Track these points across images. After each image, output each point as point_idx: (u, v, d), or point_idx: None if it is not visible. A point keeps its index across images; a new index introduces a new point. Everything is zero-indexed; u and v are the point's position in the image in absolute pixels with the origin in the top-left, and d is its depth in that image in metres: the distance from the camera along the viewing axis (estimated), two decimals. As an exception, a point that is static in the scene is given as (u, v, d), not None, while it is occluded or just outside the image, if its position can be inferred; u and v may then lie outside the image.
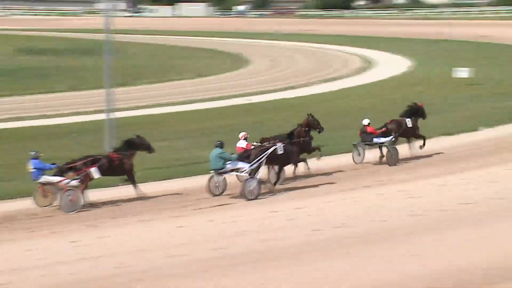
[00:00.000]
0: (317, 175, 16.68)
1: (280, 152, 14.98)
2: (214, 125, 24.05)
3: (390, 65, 46.18)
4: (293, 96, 32.50)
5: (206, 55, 54.48)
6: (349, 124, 22.59)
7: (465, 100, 29.07)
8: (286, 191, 15.15)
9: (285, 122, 21.42)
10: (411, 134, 18.48)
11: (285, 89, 35.17)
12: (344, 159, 18.07)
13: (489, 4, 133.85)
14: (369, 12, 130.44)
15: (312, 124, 16.76)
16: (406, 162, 17.94)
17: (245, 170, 14.76)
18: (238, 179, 15.28)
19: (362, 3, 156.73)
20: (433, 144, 19.95)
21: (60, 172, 14.30)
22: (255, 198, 14.31)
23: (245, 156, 14.96)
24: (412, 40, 68.63)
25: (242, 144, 15.91)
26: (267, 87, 35.99)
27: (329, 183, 15.82)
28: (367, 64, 47.48)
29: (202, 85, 37.46)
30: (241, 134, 16.17)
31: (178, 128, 23.98)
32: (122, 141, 15.06)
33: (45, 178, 14.26)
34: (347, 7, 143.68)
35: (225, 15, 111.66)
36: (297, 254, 10.82)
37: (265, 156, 14.85)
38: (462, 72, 33.91)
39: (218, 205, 14.07)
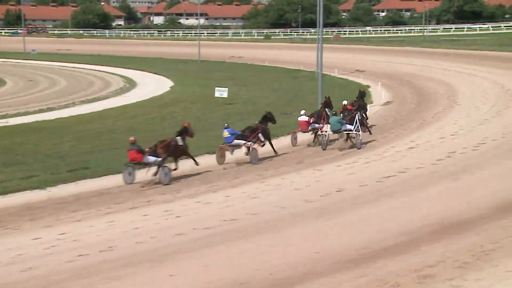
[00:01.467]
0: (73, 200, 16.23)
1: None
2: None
3: (152, 86, 46.86)
4: (52, 117, 31.22)
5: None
6: (104, 146, 22.84)
7: (221, 118, 30.44)
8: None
9: (35, 146, 21.14)
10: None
11: (43, 110, 33.92)
12: (106, 181, 17.94)
13: (244, 27, 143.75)
14: (129, 32, 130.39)
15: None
16: (178, 181, 18.28)
17: (353, 130, 22.46)
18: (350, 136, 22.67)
19: (121, 23, 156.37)
20: (201, 162, 20.68)
21: (242, 137, 20.43)
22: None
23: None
24: (174, 60, 70.65)
25: (303, 118, 23.33)
26: (25, 108, 34.70)
27: (88, 204, 15.48)
28: (129, 85, 47.64)
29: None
30: (303, 111, 23.67)
31: None
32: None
33: (236, 141, 20.49)
34: (107, 26, 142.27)
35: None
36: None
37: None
38: (221, 92, 35.58)
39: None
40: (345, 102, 24.81)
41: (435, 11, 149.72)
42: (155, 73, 55.53)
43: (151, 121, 29.89)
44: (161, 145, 18.28)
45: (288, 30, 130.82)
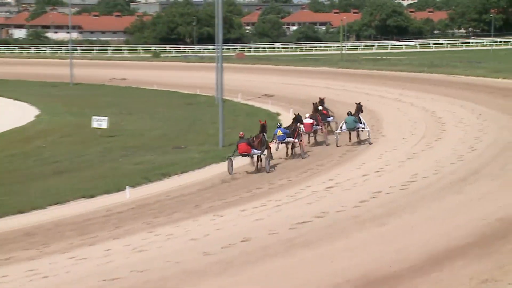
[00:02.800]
0: None
1: None
2: None
3: (12, 115, 45.57)
4: None
5: None
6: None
7: (101, 154, 30.07)
8: None
9: None
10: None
11: None
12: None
13: (127, 42, 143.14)
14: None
15: None
16: (48, 230, 17.82)
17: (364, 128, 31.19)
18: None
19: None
20: (67, 209, 20.21)
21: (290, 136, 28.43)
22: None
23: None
24: (40, 83, 69.10)
25: (308, 120, 31.24)
26: None
27: None
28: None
29: None
30: (307, 115, 31.95)
31: None
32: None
33: (288, 140, 28.35)
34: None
35: None
36: None
37: None
38: (99, 122, 35.07)
39: None
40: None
41: (354, 25, 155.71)
42: (15, 99, 54.07)
43: (11, 159, 29.13)
44: (257, 140, 26.18)
45: (181, 46, 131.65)
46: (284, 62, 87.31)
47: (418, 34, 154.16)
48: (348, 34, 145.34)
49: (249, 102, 49.62)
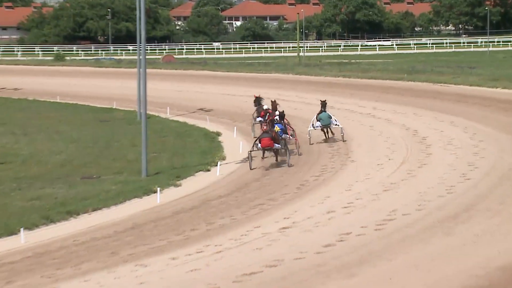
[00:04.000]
0: None
1: None
2: None
3: None
4: None
5: None
6: None
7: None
8: None
9: None
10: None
11: None
12: None
13: (21, 41, 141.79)
14: None
15: None
16: None
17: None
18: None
19: None
20: None
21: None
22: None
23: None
24: None
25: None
26: None
27: None
28: None
29: None
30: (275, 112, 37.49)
31: None
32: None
33: (284, 136, 34.15)
34: None
35: None
36: None
37: None
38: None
39: None
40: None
41: (314, 20, 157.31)
42: None
43: None
44: (275, 135, 33.01)
45: (92, 47, 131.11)
46: (226, 67, 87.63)
47: (395, 31, 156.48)
48: (306, 31, 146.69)
49: (181, 119, 49.61)
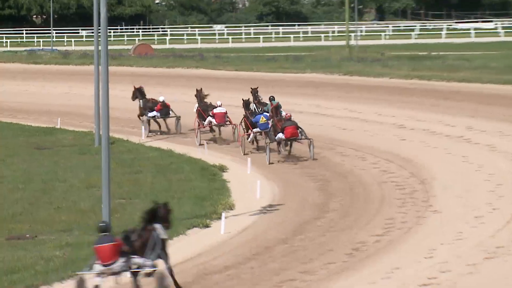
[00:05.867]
0: None
1: None
2: None
3: None
4: None
5: None
6: None
7: None
8: None
9: None
10: None
11: None
12: None
13: None
14: None
15: None
16: None
17: None
18: None
19: None
20: None
21: None
22: None
23: None
24: None
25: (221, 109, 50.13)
26: None
27: None
28: None
29: None
30: (219, 102, 51.00)
31: None
32: None
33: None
34: None
35: None
36: None
37: None
38: None
39: None
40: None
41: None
42: None
43: None
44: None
45: (24, 31, 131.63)
46: (234, 64, 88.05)
47: (502, 7, 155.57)
48: (361, 7, 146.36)
49: (163, 144, 49.79)
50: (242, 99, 50.38)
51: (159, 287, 24.57)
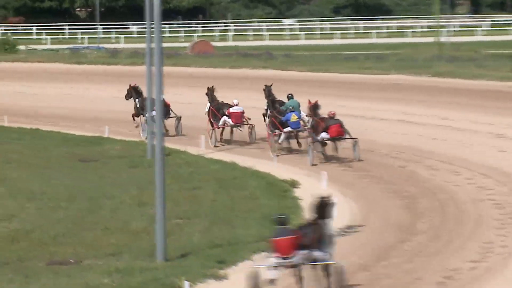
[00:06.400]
0: None
1: None
2: None
3: None
4: None
5: None
6: None
7: None
8: None
9: None
10: None
11: None
12: None
13: None
14: None
15: None
16: None
17: None
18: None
19: None
20: None
21: None
22: None
23: None
24: None
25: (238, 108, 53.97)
26: None
27: None
28: None
29: None
30: (236, 101, 54.11)
31: None
32: None
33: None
34: None
35: None
36: None
37: None
38: None
39: None
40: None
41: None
42: None
43: None
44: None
45: (67, 27, 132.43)
46: (307, 63, 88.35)
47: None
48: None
49: (226, 156, 49.82)
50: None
51: (338, 281, 26.92)
